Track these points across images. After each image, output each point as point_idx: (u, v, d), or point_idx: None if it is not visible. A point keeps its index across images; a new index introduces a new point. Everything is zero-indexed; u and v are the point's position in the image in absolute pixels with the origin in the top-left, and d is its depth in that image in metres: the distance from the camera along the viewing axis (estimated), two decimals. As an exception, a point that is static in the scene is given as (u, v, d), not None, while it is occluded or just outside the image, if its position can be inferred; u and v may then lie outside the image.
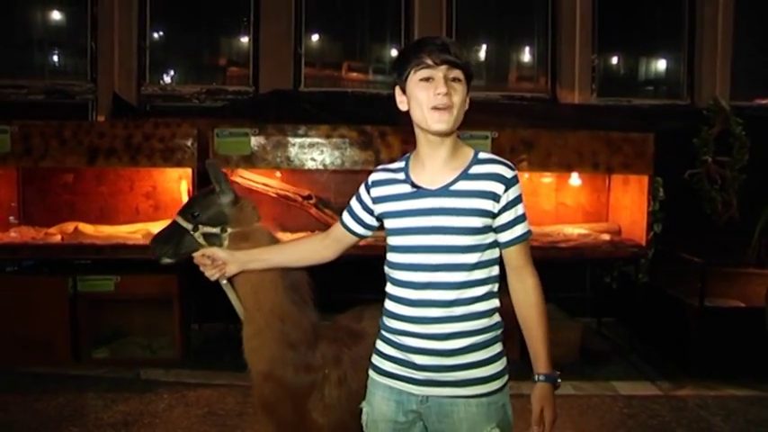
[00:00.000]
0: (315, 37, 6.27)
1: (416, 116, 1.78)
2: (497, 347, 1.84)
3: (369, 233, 2.02)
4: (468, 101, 1.80)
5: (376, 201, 1.90)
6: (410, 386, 1.82)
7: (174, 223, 2.32)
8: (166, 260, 2.33)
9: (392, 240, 1.86)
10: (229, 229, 2.26)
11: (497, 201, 1.78)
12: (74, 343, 4.70)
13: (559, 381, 1.83)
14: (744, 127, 5.81)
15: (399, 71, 1.80)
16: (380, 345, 1.92)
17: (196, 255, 2.23)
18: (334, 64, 6.31)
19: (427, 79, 1.73)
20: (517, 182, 1.81)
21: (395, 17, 6.22)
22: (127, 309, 5.01)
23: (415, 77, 1.75)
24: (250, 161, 4.72)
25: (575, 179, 5.42)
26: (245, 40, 6.17)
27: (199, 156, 4.66)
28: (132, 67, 5.95)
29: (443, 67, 1.73)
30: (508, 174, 1.79)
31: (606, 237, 5.07)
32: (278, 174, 5.25)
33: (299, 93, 6.01)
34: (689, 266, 4.82)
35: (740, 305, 4.96)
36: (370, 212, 1.95)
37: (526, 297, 1.83)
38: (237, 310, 2.27)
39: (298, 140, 4.68)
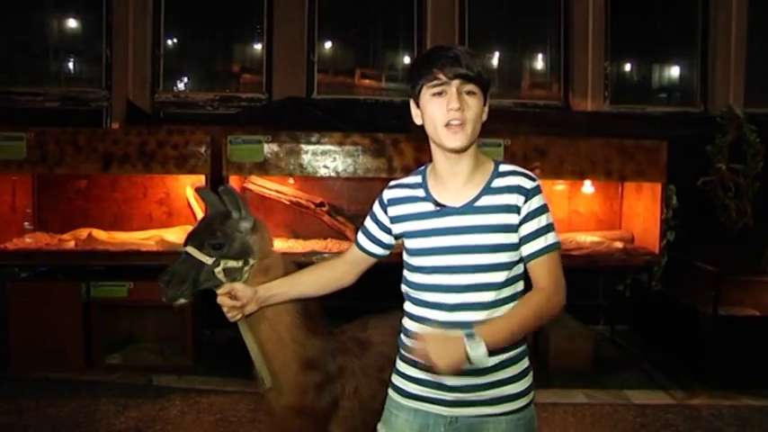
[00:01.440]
0: (328, 44, 6.30)
1: (431, 132, 1.73)
2: (525, 362, 1.80)
3: (387, 253, 1.93)
4: (487, 111, 1.73)
5: (395, 220, 1.83)
6: (439, 408, 1.76)
7: (189, 257, 2.05)
8: (182, 302, 2.07)
9: (414, 261, 1.78)
10: (251, 262, 2.09)
11: (518, 213, 1.71)
12: (87, 349, 4.72)
13: (468, 341, 1.55)
14: (758, 134, 5.77)
15: (412, 84, 1.74)
16: (404, 366, 1.85)
17: (220, 293, 1.99)
18: (347, 71, 6.34)
19: (440, 94, 1.67)
20: (539, 192, 1.74)
21: (407, 24, 6.24)
22: (140, 315, 5.03)
23: (427, 92, 1.69)
24: (263, 168, 4.74)
25: (587, 187, 5.40)
26: (258, 47, 6.21)
27: (212, 163, 4.69)
28: (146, 75, 5.99)
29: (456, 82, 1.65)
30: (528, 184, 1.73)
31: (619, 244, 5.05)
32: (291, 181, 5.27)
33: (312, 100, 6.04)
34: (703, 274, 4.78)
35: (755, 314, 4.92)
36: (388, 232, 1.87)
37: (530, 294, 1.72)
38: (253, 353, 2.08)
39: (310, 148, 4.69)
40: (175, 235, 5.03)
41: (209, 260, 2.04)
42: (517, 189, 1.72)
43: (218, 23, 6.31)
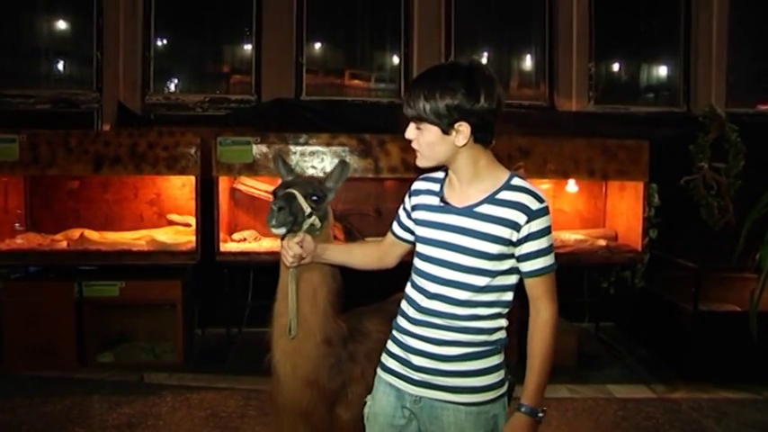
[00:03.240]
0: (316, 45, 6.38)
1: None
2: (495, 360, 1.89)
3: (413, 239, 2.05)
4: (467, 133, 1.78)
5: (414, 208, 2.00)
6: (407, 385, 1.91)
7: (295, 199, 2.16)
8: (281, 231, 2.11)
9: (418, 247, 1.96)
10: (324, 225, 2.27)
11: (517, 230, 1.80)
12: (79, 347, 4.78)
13: (541, 415, 1.83)
14: (739, 133, 5.88)
15: None
16: (389, 343, 2.02)
17: (296, 240, 2.11)
18: (335, 72, 6.41)
19: None
20: (545, 214, 1.83)
21: (395, 26, 6.32)
22: (131, 314, 5.10)
23: None
24: (252, 169, 4.81)
25: (571, 186, 5.49)
26: (247, 49, 6.27)
27: (202, 164, 4.76)
28: (137, 77, 6.04)
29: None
30: (534, 205, 1.81)
31: (603, 242, 5.15)
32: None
33: (301, 101, 6.11)
34: (684, 271, 4.89)
35: (735, 309, 5.02)
36: (413, 219, 2.02)
37: (535, 329, 1.85)
38: (291, 301, 2.20)
39: (298, 148, 4.77)
40: (166, 235, 5.12)
41: (307, 209, 2.17)
42: (521, 207, 1.81)
43: (208, 25, 6.37)
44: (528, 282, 1.86)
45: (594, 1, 6.29)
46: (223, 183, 4.96)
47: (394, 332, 2.00)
